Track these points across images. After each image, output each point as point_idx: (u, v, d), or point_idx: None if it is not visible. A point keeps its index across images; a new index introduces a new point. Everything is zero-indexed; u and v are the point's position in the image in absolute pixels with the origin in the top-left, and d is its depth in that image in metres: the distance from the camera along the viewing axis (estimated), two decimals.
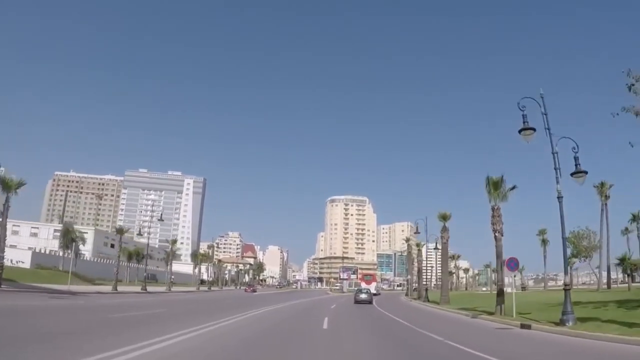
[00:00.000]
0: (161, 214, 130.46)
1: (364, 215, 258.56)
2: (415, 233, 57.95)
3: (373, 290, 67.09)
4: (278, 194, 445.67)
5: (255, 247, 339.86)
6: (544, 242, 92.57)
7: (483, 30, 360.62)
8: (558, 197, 19.09)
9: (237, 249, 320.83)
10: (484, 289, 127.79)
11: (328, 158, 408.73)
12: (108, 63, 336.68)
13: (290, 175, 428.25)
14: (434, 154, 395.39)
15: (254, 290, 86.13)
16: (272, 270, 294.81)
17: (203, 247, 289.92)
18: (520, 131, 19.38)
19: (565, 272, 20.36)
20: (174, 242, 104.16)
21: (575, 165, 18.79)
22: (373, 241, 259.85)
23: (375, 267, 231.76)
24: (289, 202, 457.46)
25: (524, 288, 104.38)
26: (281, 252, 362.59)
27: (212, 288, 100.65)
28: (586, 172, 18.81)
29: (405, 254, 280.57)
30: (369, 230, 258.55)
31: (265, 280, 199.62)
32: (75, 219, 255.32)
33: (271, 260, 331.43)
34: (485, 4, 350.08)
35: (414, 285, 75.34)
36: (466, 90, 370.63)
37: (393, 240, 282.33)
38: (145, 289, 56.03)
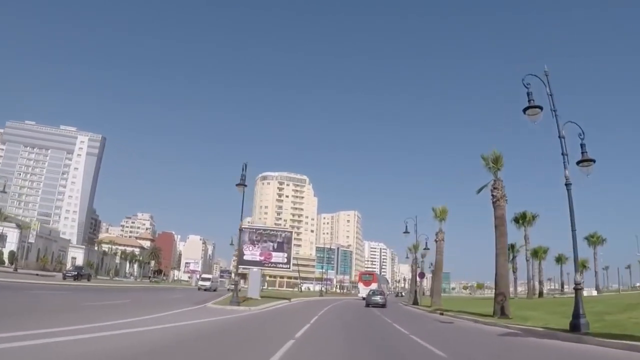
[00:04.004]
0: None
1: (303, 197, 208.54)
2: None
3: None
4: (205, 174, 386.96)
5: (175, 235, 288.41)
6: None
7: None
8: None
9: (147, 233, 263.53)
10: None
11: (263, 134, 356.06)
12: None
13: (221, 152, 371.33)
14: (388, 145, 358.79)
15: None
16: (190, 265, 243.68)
17: (115, 232, 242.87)
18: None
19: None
20: None
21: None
22: (312, 231, 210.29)
23: (314, 262, 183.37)
24: (221, 186, 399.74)
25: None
26: (204, 244, 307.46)
27: None
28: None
29: (349, 249, 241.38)
30: (307, 217, 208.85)
31: (162, 272, 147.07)
32: None
33: (192, 252, 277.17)
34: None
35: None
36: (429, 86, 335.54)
37: (336, 232, 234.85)
38: None
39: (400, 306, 46.84)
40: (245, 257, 36.49)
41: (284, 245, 37.86)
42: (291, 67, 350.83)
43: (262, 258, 36.64)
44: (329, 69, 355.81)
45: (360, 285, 76.40)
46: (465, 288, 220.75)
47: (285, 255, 37.88)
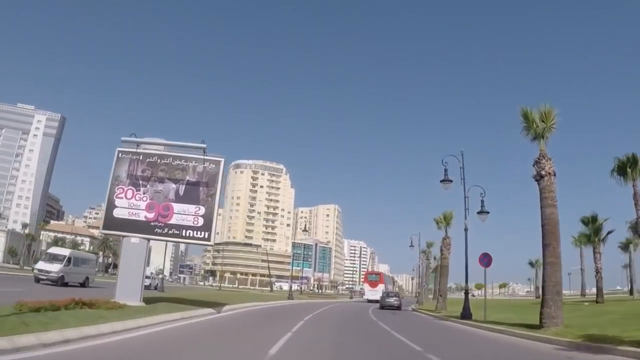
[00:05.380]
0: None
1: (279, 188, 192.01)
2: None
3: (380, 296, 51.76)
4: None
5: None
6: None
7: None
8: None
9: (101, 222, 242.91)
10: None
11: (239, 124, 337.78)
12: None
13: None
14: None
15: None
16: (157, 260, 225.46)
17: (79, 223, 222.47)
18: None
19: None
20: None
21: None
22: (288, 225, 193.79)
23: (289, 259, 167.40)
24: None
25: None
26: None
27: None
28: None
29: (329, 245, 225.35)
30: (283, 210, 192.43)
31: (113, 266, 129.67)
32: None
33: (163, 248, 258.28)
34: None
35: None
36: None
37: (314, 227, 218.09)
38: None
39: (437, 322, 25.74)
40: (116, 213, 17.92)
41: (199, 189, 18.22)
42: (273, 60, 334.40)
43: (151, 215, 17.69)
44: (312, 64, 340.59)
45: (366, 286, 70.42)
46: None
47: (202, 209, 17.87)
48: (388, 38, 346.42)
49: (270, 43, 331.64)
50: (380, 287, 64.93)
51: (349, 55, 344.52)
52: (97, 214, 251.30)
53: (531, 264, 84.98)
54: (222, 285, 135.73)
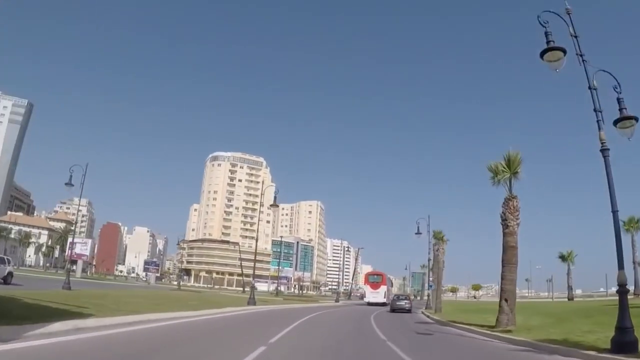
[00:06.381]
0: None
1: (258, 182, 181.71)
2: None
3: (382, 298, 57.94)
4: (156, 165, 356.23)
5: (122, 227, 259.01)
6: None
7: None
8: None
9: (82, 221, 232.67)
10: None
11: (217, 116, 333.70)
12: None
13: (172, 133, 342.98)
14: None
15: None
16: (131, 259, 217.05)
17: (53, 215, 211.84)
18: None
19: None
20: None
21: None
22: (268, 222, 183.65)
23: (269, 258, 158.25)
24: (174, 176, 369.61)
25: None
26: (152, 237, 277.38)
27: None
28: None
29: (311, 244, 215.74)
30: (262, 206, 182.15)
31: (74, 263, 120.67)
32: None
33: (138, 245, 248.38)
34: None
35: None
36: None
37: (296, 225, 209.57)
38: None
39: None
40: None
41: None
42: (260, 56, 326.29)
43: None
44: (298, 61, 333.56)
45: (367, 288, 67.37)
46: (452, 290, 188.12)
47: None
48: (377, 37, 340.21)
49: (260, 41, 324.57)
50: (383, 289, 63.09)
51: (338, 54, 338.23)
52: (68, 208, 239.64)
53: (562, 257, 75.09)
54: (190, 285, 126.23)
